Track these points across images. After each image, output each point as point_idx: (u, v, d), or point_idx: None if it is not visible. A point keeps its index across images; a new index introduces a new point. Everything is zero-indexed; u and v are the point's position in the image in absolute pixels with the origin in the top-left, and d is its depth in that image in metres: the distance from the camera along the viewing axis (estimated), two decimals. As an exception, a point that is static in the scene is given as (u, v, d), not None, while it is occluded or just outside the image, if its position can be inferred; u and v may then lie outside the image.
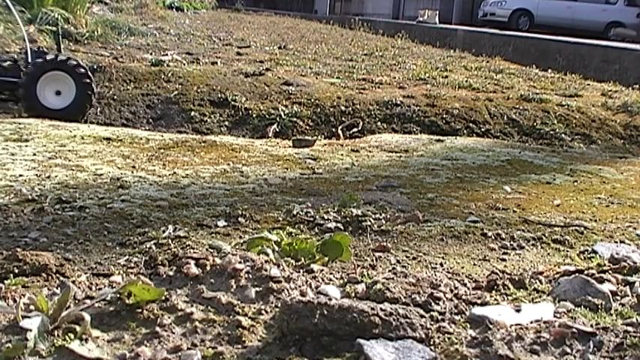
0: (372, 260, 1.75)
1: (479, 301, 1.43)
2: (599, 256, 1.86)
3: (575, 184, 3.06)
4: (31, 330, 1.13)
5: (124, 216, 2.02)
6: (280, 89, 6.17)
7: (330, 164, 3.18)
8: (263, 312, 1.31)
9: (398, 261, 1.77)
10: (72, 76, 4.39)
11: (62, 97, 4.41)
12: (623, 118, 6.28)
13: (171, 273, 1.46)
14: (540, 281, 1.58)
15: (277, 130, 5.06)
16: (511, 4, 17.26)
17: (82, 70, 4.44)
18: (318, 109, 5.87)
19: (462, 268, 1.75)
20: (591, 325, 1.29)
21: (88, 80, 4.47)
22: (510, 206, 2.47)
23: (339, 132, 5.30)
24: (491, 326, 1.28)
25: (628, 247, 1.97)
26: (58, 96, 4.41)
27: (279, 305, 1.30)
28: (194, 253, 1.57)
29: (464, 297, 1.44)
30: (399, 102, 6.09)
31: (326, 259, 1.68)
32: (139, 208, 2.11)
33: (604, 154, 4.55)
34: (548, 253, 1.93)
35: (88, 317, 1.20)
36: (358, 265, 1.68)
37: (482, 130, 5.88)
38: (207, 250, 1.73)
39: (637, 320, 1.32)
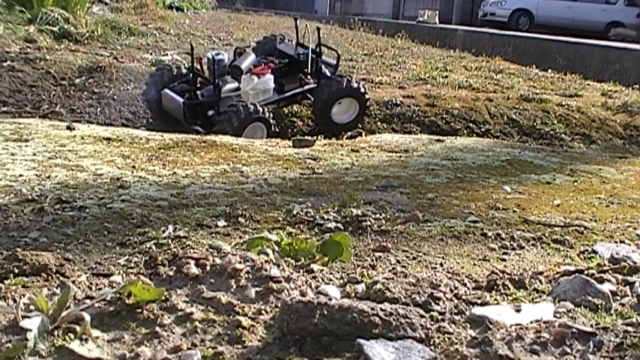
0: (372, 260, 1.75)
1: (479, 301, 1.43)
2: (599, 256, 1.86)
3: (575, 184, 3.06)
4: (31, 330, 1.13)
5: (124, 216, 2.02)
6: (280, 89, 6.16)
7: (330, 164, 3.18)
8: (263, 312, 1.31)
9: (398, 261, 1.77)
10: None
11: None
12: (623, 118, 6.28)
13: (171, 273, 1.46)
14: (540, 281, 1.58)
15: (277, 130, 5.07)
16: (511, 4, 17.26)
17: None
18: (318, 109, 5.86)
19: (462, 268, 1.75)
20: (591, 325, 1.29)
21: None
22: (510, 206, 2.47)
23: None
24: (491, 326, 1.28)
25: (628, 247, 1.97)
26: None
27: (279, 305, 1.30)
28: (194, 253, 1.57)
29: (464, 297, 1.44)
30: (399, 102, 6.09)
31: (326, 259, 1.68)
32: (139, 208, 2.11)
33: (604, 154, 4.55)
34: (548, 253, 1.93)
35: (88, 317, 1.19)
36: (358, 265, 1.68)
37: (483, 130, 5.88)
38: (207, 250, 1.73)
39: (637, 320, 1.31)
